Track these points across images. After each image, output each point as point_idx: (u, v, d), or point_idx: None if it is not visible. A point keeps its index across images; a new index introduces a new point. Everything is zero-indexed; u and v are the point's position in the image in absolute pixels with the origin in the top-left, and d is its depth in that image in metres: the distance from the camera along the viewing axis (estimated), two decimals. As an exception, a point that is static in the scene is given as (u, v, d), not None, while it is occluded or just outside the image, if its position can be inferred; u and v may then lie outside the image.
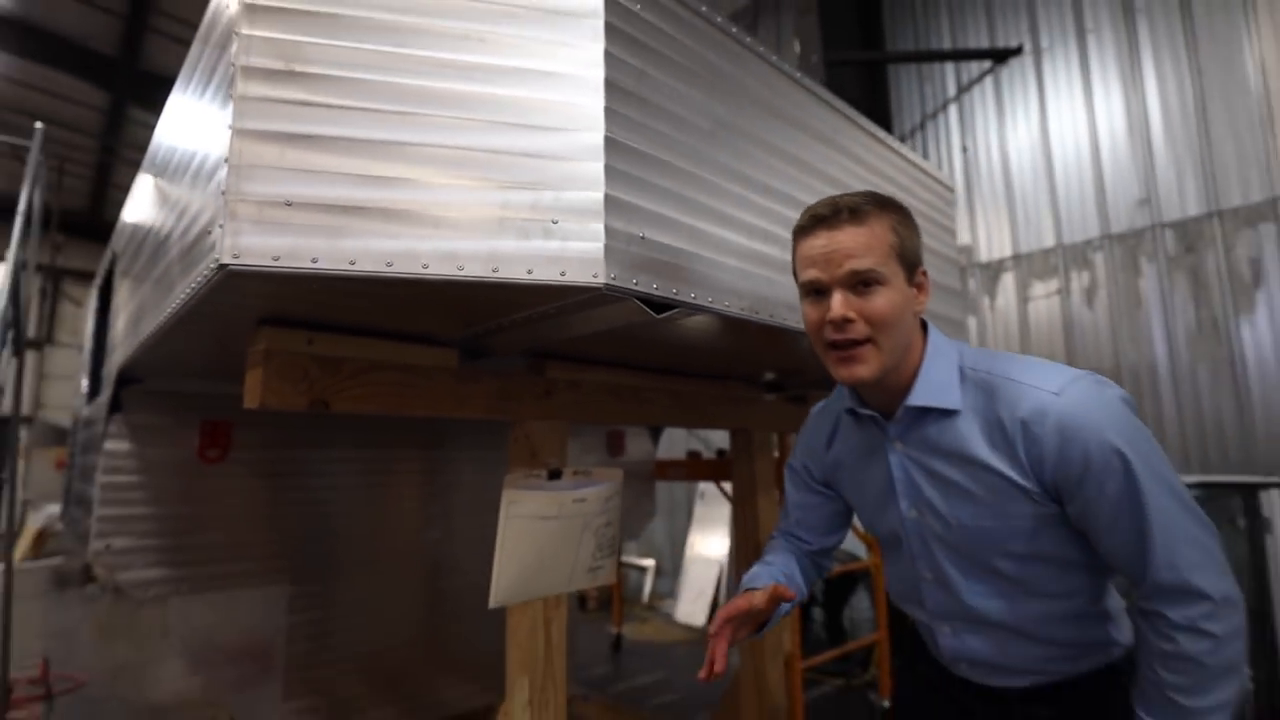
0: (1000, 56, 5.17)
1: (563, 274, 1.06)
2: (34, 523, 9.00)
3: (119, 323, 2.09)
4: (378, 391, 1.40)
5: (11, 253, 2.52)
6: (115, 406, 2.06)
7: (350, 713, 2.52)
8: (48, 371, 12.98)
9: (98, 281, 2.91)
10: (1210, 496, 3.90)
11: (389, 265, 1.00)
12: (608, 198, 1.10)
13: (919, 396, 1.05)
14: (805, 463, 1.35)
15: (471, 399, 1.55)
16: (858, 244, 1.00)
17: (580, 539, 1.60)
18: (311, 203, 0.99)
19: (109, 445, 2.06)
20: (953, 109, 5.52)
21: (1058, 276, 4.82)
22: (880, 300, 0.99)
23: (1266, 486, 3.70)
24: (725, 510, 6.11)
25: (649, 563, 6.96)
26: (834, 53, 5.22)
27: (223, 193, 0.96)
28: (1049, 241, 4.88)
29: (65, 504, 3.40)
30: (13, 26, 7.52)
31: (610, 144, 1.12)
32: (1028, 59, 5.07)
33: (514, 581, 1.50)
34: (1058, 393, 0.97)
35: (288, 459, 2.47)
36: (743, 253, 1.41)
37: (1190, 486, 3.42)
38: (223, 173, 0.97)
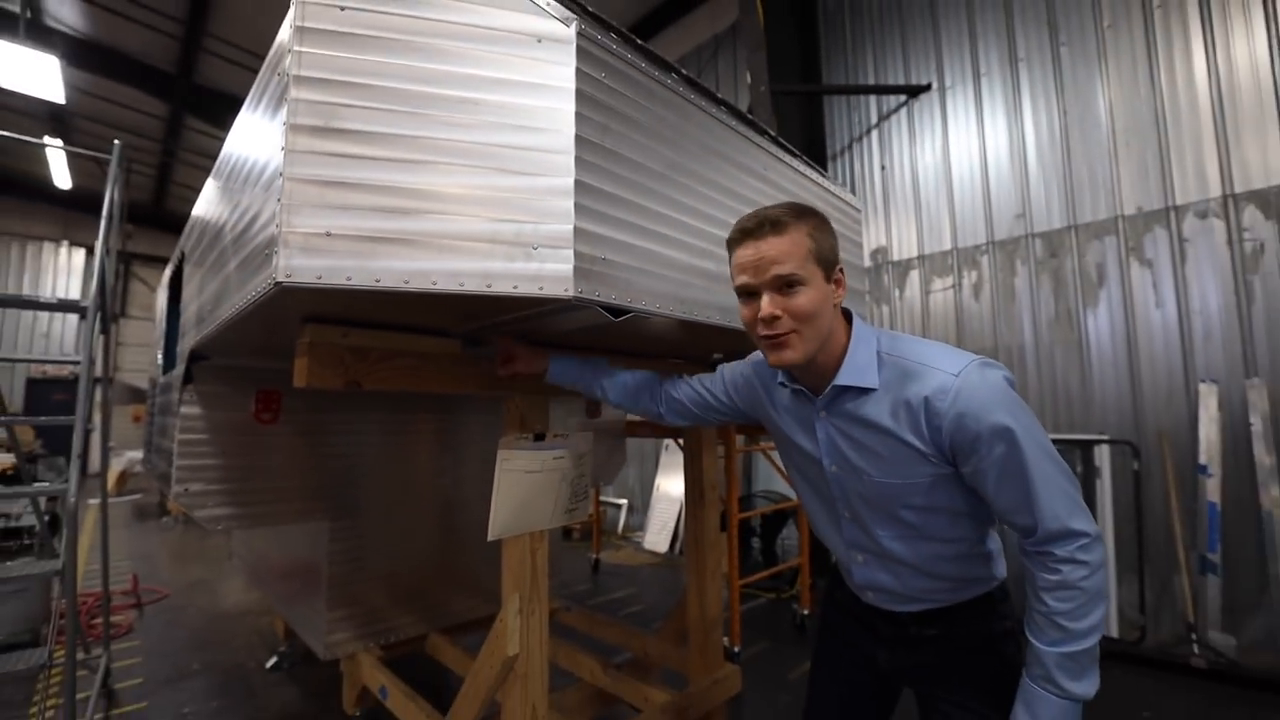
0: (913, 92, 5.21)
1: (540, 288, 1.14)
2: (116, 465, 8.93)
3: (190, 309, 2.12)
4: (398, 374, 1.48)
5: (99, 247, 2.52)
6: (188, 378, 2.11)
7: (380, 619, 2.62)
8: (123, 340, 12.70)
9: (168, 271, 2.91)
10: (1060, 449, 4.12)
11: (406, 282, 1.08)
12: (576, 229, 1.17)
13: (845, 377, 1.06)
14: (736, 380, 1.36)
15: (472, 379, 1.63)
16: (779, 252, 1.00)
17: (559, 488, 1.70)
18: (346, 234, 1.06)
19: (184, 410, 2.11)
20: (875, 133, 5.56)
21: (953, 274, 4.93)
22: (801, 298, 1.00)
23: (1098, 442, 3.92)
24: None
25: (623, 501, 7.11)
26: (779, 84, 5.22)
27: (277, 225, 1.03)
28: (947, 245, 4.98)
29: (146, 452, 3.43)
30: (86, 46, 7.27)
31: (579, 186, 1.19)
32: (935, 95, 5.12)
33: (507, 520, 1.60)
34: (956, 374, 0.97)
35: (327, 421, 2.53)
36: (684, 268, 1.48)
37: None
38: (276, 207, 1.04)
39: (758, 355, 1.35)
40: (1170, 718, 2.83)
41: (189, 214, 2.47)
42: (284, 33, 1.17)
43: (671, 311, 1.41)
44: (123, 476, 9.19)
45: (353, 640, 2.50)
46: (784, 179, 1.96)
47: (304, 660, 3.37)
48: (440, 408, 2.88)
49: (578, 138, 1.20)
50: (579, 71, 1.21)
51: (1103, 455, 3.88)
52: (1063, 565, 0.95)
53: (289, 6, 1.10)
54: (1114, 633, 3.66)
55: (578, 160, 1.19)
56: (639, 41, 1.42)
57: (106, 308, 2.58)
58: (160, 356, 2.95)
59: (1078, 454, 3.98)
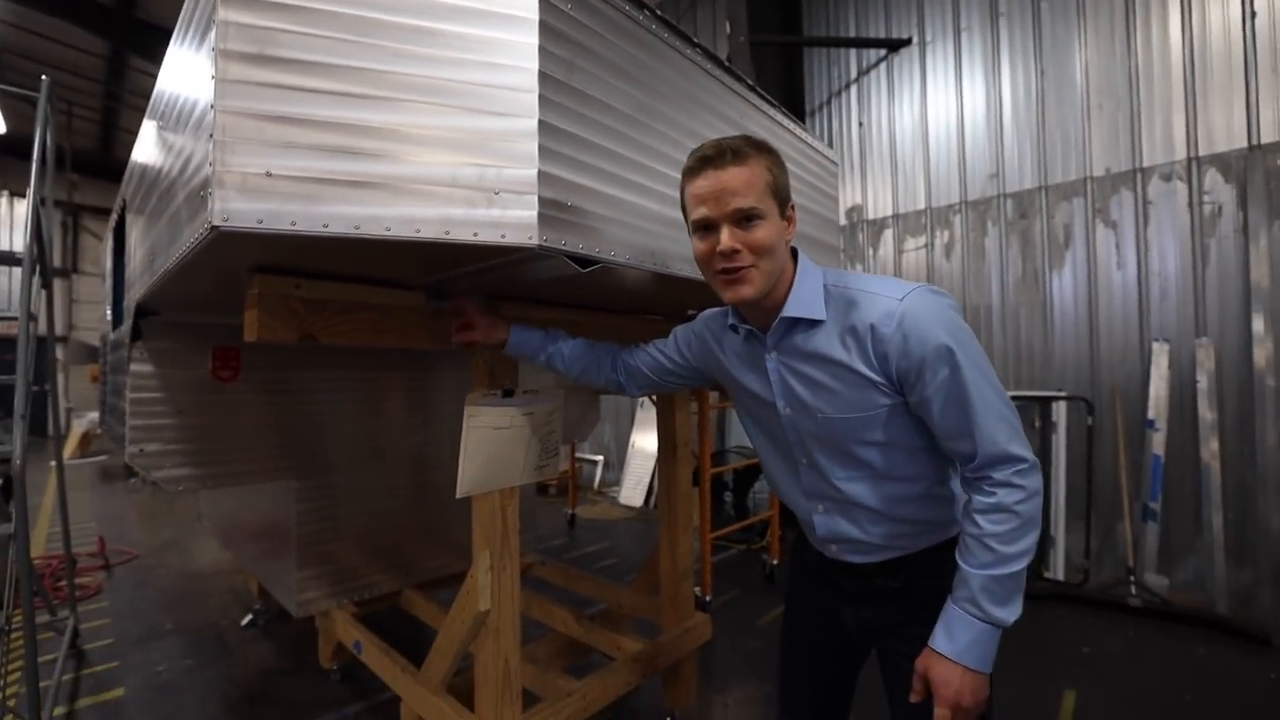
0: (894, 46, 5.08)
1: (503, 236, 1.07)
2: (79, 427, 8.63)
3: (134, 261, 1.98)
4: (357, 327, 1.40)
5: (31, 193, 2.32)
6: (136, 334, 1.99)
7: (353, 576, 2.60)
8: (77, 297, 12.09)
9: (112, 221, 2.71)
10: (1020, 406, 4.24)
11: (356, 228, 1.00)
12: (541, 173, 1.10)
13: (791, 309, 1.04)
14: (689, 339, 1.34)
15: (437, 334, 1.57)
16: (740, 183, 0.97)
17: (529, 444, 1.66)
18: (288, 174, 0.97)
19: (134, 368, 2.00)
20: (854, 89, 5.44)
21: (925, 233, 4.94)
22: (760, 232, 0.98)
23: (1056, 399, 4.04)
24: (660, 416, 6.30)
25: (599, 458, 7.16)
26: (758, 35, 5.03)
27: (210, 164, 0.94)
28: (921, 205, 4.97)
29: (102, 412, 3.29)
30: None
31: (544, 127, 1.11)
32: (915, 50, 5.00)
33: (475, 477, 1.56)
34: (900, 299, 0.97)
35: (292, 378, 2.43)
36: (655, 217, 1.42)
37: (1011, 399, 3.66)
38: (209, 145, 0.94)
39: (706, 312, 1.33)
40: (1107, 651, 3.02)
41: (120, 157, 2.27)
42: (211, -55, 1.04)
43: (642, 264, 1.36)
44: (85, 438, 8.91)
45: (325, 598, 2.48)
46: (761, 129, 1.88)
47: (279, 617, 3.36)
48: (410, 363, 2.80)
49: (541, 74, 1.11)
50: (543, 1, 1.11)
51: (1059, 411, 4.00)
52: (999, 489, 0.95)
53: (214, -86, 0.97)
54: (1060, 575, 3.86)
55: (542, 99, 1.11)
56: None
57: (46, 260, 2.40)
58: (109, 311, 2.79)
59: (1036, 409, 4.10)
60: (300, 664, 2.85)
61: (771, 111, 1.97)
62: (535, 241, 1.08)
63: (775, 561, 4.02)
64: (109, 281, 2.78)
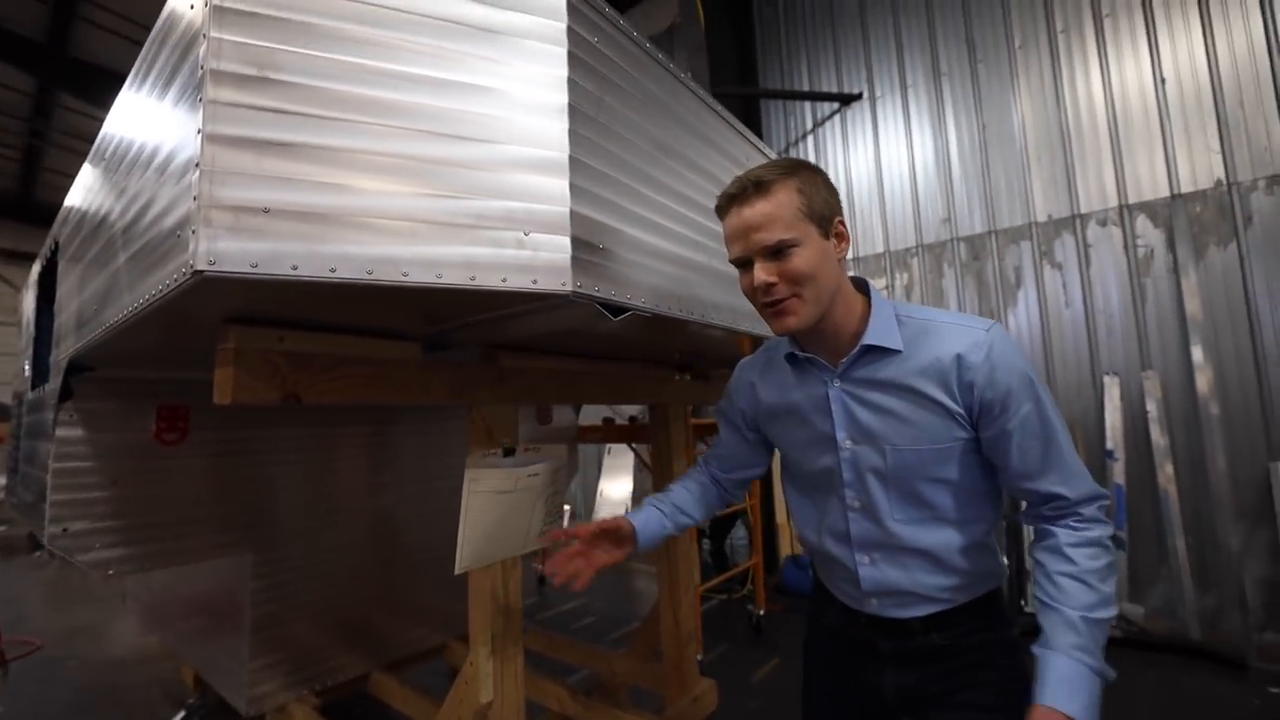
0: (845, 100, 5.35)
1: (534, 282, 0.96)
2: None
3: (67, 312, 1.73)
4: (349, 384, 1.23)
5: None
6: (65, 394, 1.72)
7: (314, 661, 2.28)
8: (-24, 350, 10.91)
9: (37, 268, 2.41)
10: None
11: (369, 273, 0.86)
12: (573, 212, 1.00)
13: (873, 337, 0.99)
14: (738, 405, 1.24)
15: (434, 387, 1.40)
16: (763, 217, 0.94)
17: (534, 508, 1.50)
18: (291, 209, 0.82)
19: (61, 433, 1.71)
20: (810, 138, 5.66)
21: (885, 275, 5.10)
22: (796, 260, 0.93)
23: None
24: (629, 460, 6.12)
25: (566, 508, 6.88)
26: (718, 87, 5.20)
27: (195, 198, 0.78)
28: (880, 248, 5.15)
29: (12, 481, 2.86)
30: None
31: (574, 163, 1.02)
32: (866, 104, 5.28)
33: (477, 549, 1.39)
34: (986, 330, 0.96)
35: (244, 437, 2.16)
36: (676, 260, 1.34)
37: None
38: (193, 176, 0.79)
39: (743, 361, 1.27)
40: (1101, 689, 2.99)
41: (46, 200, 2.03)
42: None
43: (671, 310, 1.26)
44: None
45: (282, 690, 2.15)
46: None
47: (219, 711, 2.93)
48: (367, 418, 2.56)
49: (571, 107, 1.02)
50: (570, 31, 1.03)
51: (1027, 445, 4.09)
52: (1091, 525, 0.92)
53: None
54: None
55: (571, 133, 1.02)
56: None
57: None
58: (27, 367, 2.45)
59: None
60: (246, 768, 2.46)
61: (769, 152, 1.95)
62: (569, 288, 0.97)
63: (762, 611, 3.86)
64: (30, 333, 2.46)
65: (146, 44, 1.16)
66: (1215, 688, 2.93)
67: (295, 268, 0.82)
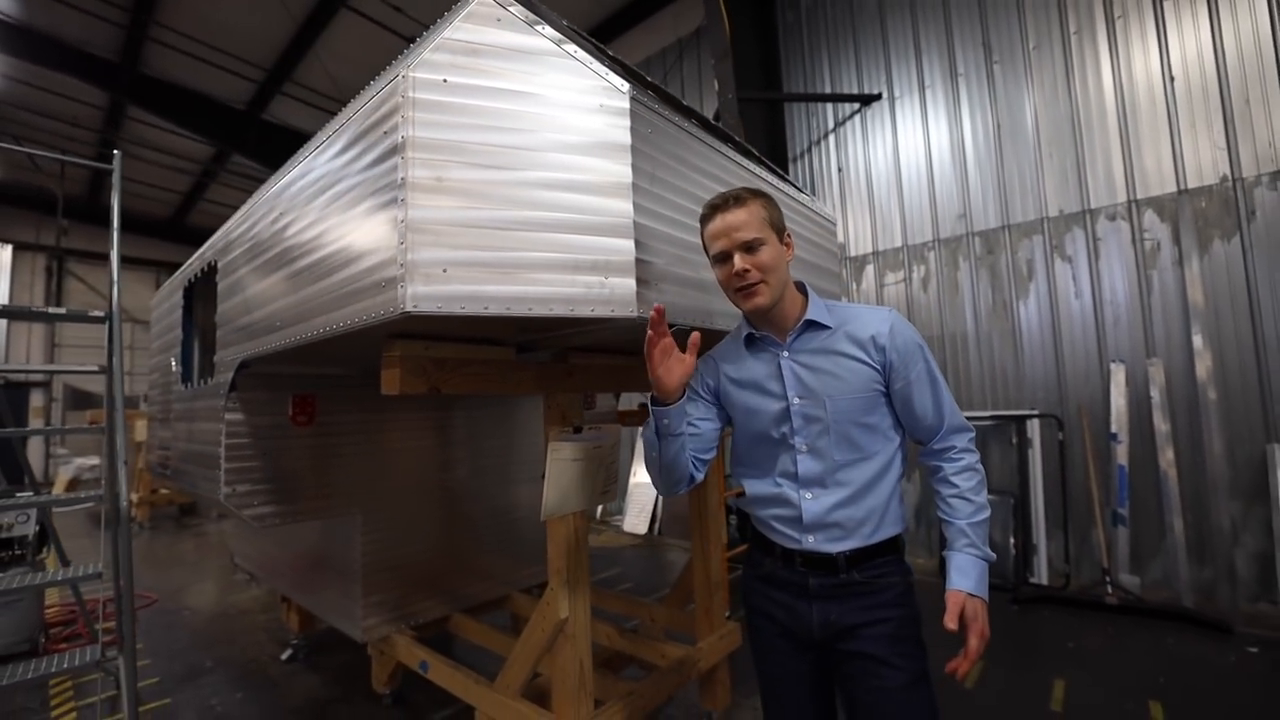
0: (865, 100, 5.61)
1: (611, 310, 1.39)
2: (65, 474, 8.52)
3: (231, 323, 2.24)
4: (468, 379, 1.70)
5: (113, 256, 2.57)
6: (233, 386, 2.24)
7: (409, 603, 2.81)
8: (59, 341, 11.95)
9: (180, 281, 2.96)
10: (997, 424, 4.65)
11: (508, 309, 1.31)
12: (637, 260, 1.43)
13: (813, 315, 1.33)
14: (705, 380, 1.46)
15: (523, 381, 1.87)
16: (742, 220, 1.28)
17: (597, 473, 1.95)
18: (459, 266, 1.28)
19: (229, 417, 2.24)
20: (832, 138, 5.94)
21: (904, 269, 5.39)
22: (764, 255, 1.28)
23: (1030, 417, 4.46)
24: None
25: (602, 486, 7.35)
26: (744, 92, 5.52)
27: (401, 264, 1.24)
28: (898, 242, 5.43)
29: (164, 457, 3.39)
30: (17, 32, 6.85)
31: (636, 226, 1.44)
32: (885, 104, 5.54)
33: (556, 502, 1.84)
34: (888, 315, 1.32)
35: (354, 421, 2.68)
36: (699, 284, 1.73)
37: (987, 418, 4.08)
38: (399, 246, 1.25)
39: (704, 359, 1.49)
40: (1090, 645, 3.36)
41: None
42: (389, 97, 1.36)
43: (699, 322, 1.68)
44: (72, 485, 8.80)
45: (386, 623, 2.69)
46: (779, 201, 2.25)
47: (319, 650, 3.52)
48: (456, 403, 3.06)
49: (634, 185, 1.44)
50: (633, 130, 1.46)
51: (1034, 429, 4.42)
52: (964, 454, 1.30)
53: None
54: (1044, 579, 4.22)
55: (635, 205, 1.44)
56: (664, 90, 1.67)
57: (115, 325, 2.63)
58: (174, 364, 3.01)
59: (1013, 428, 4.51)
60: (351, 690, 3.03)
61: (783, 185, 2.34)
62: (635, 313, 1.40)
63: (783, 578, 4.28)
64: (177, 335, 3.01)
65: (342, 117, 1.58)
66: (1198, 647, 3.27)
67: (463, 307, 1.27)
